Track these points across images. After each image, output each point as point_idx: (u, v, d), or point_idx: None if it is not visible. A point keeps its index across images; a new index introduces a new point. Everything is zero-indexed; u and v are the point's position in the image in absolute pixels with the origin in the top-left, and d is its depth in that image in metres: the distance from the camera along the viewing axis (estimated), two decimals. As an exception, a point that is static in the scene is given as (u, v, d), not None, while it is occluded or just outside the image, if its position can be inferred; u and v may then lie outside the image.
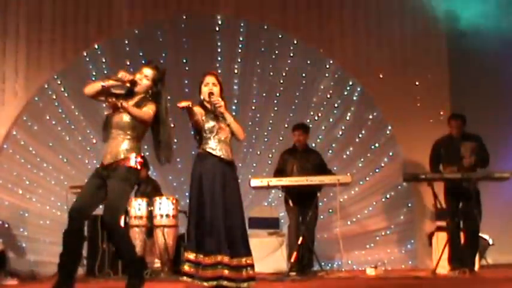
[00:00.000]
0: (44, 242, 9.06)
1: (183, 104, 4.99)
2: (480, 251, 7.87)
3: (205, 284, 5.00)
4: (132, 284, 5.10)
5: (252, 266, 5.19)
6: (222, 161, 5.25)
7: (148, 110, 5.13)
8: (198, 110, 5.27)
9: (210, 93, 5.27)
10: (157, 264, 7.76)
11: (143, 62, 5.56)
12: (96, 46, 9.67)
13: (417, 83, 9.46)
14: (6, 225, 9.25)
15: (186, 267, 5.09)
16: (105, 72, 9.14)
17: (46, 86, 9.53)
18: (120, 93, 5.22)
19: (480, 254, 7.94)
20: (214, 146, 5.27)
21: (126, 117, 5.14)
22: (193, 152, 8.89)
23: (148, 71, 5.26)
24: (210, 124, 5.30)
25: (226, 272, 4.99)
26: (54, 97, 9.50)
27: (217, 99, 5.26)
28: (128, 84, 5.18)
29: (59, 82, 9.52)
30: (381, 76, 9.47)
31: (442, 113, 9.14)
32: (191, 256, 5.10)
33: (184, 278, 5.10)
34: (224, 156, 5.26)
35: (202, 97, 5.39)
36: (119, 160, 5.10)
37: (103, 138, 5.22)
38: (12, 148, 9.42)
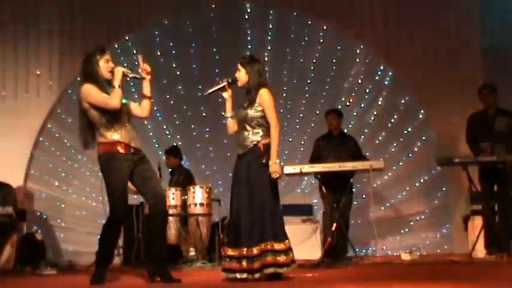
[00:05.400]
0: (81, 232, 9.21)
1: None
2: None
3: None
4: (169, 270, 5.22)
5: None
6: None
7: None
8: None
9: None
10: (192, 252, 7.83)
11: (100, 50, 5.33)
12: (126, 37, 9.76)
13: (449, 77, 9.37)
14: (44, 217, 9.43)
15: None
16: (136, 63, 9.18)
17: (79, 78, 9.61)
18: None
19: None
20: None
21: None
22: (225, 141, 9.11)
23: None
24: None
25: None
26: (87, 89, 9.59)
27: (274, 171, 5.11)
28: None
29: (91, 74, 9.61)
30: (412, 60, 9.40)
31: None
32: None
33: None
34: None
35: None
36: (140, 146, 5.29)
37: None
38: (47, 141, 9.59)
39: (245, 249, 5.02)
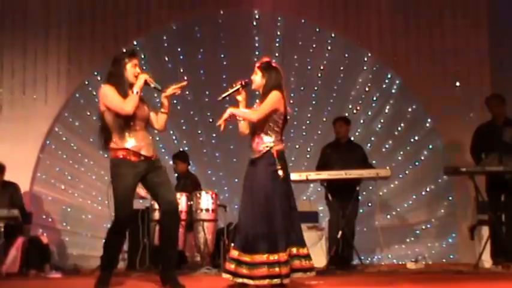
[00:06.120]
0: (86, 236, 9.22)
1: None
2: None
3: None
4: (177, 276, 5.21)
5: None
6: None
7: None
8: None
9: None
10: (197, 258, 7.82)
11: (129, 53, 5.32)
12: (135, 42, 9.77)
13: (458, 83, 9.35)
14: (50, 220, 9.44)
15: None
16: (144, 68, 9.20)
17: (86, 83, 9.68)
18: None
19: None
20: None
21: (147, 109, 5.30)
22: (231, 147, 9.12)
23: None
24: None
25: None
26: (95, 93, 9.60)
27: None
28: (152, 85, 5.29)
29: (99, 78, 9.60)
30: (420, 69, 9.39)
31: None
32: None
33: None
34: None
35: None
36: (155, 152, 5.26)
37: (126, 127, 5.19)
38: (54, 144, 9.59)
39: (265, 255, 4.93)
